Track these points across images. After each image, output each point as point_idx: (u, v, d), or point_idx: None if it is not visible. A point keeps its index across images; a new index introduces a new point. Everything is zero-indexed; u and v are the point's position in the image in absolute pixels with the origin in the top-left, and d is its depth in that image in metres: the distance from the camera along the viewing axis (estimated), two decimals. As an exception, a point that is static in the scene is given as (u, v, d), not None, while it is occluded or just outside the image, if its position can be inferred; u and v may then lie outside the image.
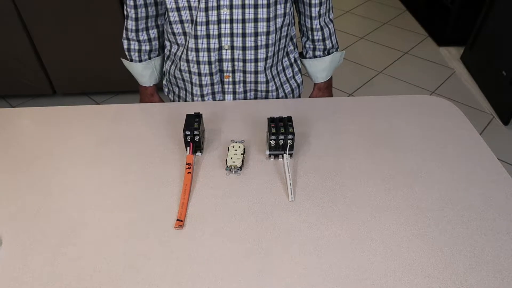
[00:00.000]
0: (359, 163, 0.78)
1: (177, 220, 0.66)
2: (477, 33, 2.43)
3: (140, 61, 1.00)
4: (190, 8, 0.85)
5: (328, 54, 1.02)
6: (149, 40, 0.99)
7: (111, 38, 2.05)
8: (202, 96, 0.97)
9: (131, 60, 1.00)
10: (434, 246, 0.63)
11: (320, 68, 1.03)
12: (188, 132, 0.76)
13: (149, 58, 1.01)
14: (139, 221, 0.67)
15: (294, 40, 1.02)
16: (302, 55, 1.05)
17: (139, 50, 0.99)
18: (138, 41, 0.97)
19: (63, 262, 0.60)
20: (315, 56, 1.02)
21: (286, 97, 1.04)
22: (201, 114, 0.80)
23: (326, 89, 1.07)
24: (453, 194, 0.72)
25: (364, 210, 0.68)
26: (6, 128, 0.88)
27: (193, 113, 0.80)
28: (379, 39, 2.93)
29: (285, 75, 1.02)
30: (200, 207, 0.69)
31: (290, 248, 0.62)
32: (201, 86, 0.95)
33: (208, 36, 0.87)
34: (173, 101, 1.08)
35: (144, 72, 1.02)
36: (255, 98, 1.00)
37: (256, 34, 0.88)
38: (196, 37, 0.87)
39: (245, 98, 0.99)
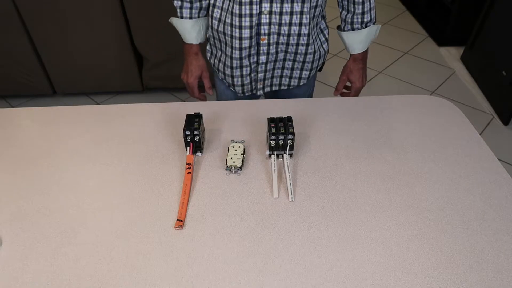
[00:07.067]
0: (359, 163, 0.78)
1: (177, 220, 0.66)
2: (477, 33, 2.43)
3: (191, 18, 1.07)
4: None
5: (366, 27, 1.07)
6: None
7: (112, 38, 2.05)
8: (240, 59, 1.03)
9: (182, 17, 1.07)
10: (434, 246, 0.63)
11: (357, 40, 1.09)
12: (188, 132, 0.76)
13: (198, 16, 1.08)
14: (139, 221, 0.67)
15: (325, 19, 1.11)
16: (340, 28, 1.12)
17: (191, 8, 1.05)
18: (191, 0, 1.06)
19: (63, 262, 0.60)
20: (353, 29, 1.08)
21: (313, 62, 1.09)
22: (201, 114, 0.80)
23: (361, 60, 1.12)
24: (453, 194, 0.72)
25: (364, 210, 0.68)
26: (6, 128, 0.88)
27: (193, 113, 0.80)
28: (379, 39, 2.92)
29: (316, 43, 1.09)
30: (200, 207, 0.69)
31: (290, 248, 0.62)
32: (240, 49, 1.01)
33: (251, 3, 0.95)
34: (214, 65, 1.16)
35: (192, 29, 1.09)
36: (284, 59, 1.05)
37: (292, 1, 0.95)
38: (240, 3, 0.94)
39: (276, 59, 1.05)
